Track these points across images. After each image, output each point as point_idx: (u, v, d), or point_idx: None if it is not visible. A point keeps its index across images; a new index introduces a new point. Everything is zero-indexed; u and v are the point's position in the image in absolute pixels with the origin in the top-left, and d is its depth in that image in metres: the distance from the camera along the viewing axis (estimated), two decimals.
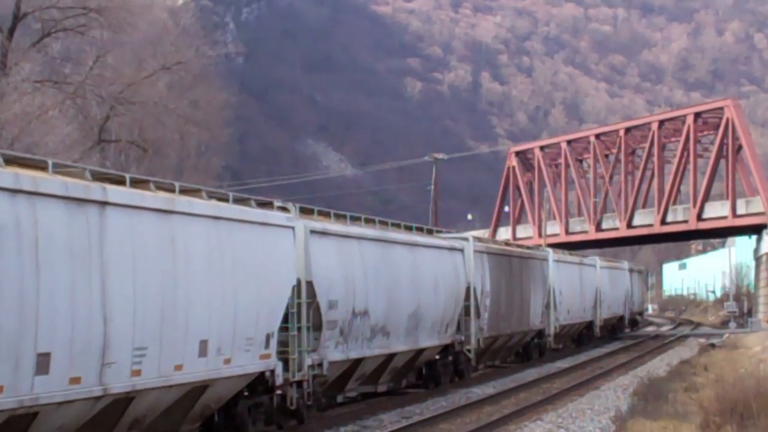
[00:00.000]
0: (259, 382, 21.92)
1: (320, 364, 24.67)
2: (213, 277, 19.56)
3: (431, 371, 34.25)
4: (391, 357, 29.45)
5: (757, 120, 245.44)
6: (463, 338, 35.63)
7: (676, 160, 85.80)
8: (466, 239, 36.61)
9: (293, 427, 24.22)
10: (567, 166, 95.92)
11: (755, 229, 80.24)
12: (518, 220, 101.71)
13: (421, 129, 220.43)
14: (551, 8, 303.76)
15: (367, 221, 28.97)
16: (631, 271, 74.26)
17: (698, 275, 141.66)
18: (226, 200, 20.80)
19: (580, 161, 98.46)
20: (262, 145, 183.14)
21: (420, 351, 31.58)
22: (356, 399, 30.71)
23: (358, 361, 27.20)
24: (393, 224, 30.68)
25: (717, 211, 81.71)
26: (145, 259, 17.54)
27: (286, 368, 22.71)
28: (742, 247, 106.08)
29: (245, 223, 20.92)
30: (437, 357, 34.06)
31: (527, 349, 47.42)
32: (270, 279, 21.65)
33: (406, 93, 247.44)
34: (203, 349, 19.18)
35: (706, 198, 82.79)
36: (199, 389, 19.42)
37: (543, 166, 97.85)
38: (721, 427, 20.90)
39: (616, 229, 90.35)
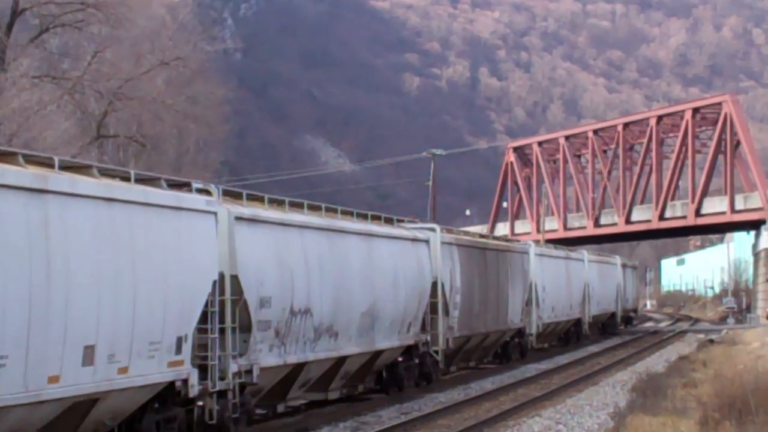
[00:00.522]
0: (172, 393, 19.00)
1: (249, 371, 21.52)
2: (103, 270, 16.58)
3: (392, 375, 30.92)
4: (341, 360, 26.30)
5: (756, 115, 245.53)
6: (429, 338, 32.42)
7: (674, 156, 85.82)
8: (432, 229, 33.28)
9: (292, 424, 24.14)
10: (565, 161, 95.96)
11: (753, 225, 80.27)
12: (516, 216, 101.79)
13: (420, 124, 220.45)
14: (549, 3, 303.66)
15: (312, 208, 25.54)
16: (623, 266, 71.87)
17: (697, 271, 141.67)
18: (128, 179, 17.83)
19: (579, 157, 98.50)
20: (261, 141, 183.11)
21: (377, 353, 28.39)
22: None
23: (299, 366, 24.04)
24: (344, 212, 27.30)
25: (715, 206, 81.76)
26: (7, 248, 14.68)
27: (206, 376, 19.83)
28: (740, 243, 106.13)
29: (150, 207, 17.90)
30: (400, 359, 30.85)
31: (506, 349, 44.12)
32: (183, 273, 18.70)
33: (404, 88, 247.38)
34: (89, 356, 16.22)
35: (705, 193, 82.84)
36: (86, 404, 16.63)
37: (541, 162, 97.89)
38: (720, 422, 20.89)
39: (615, 224, 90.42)
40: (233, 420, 20.91)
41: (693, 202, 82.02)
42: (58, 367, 15.61)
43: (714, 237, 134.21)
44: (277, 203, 24.17)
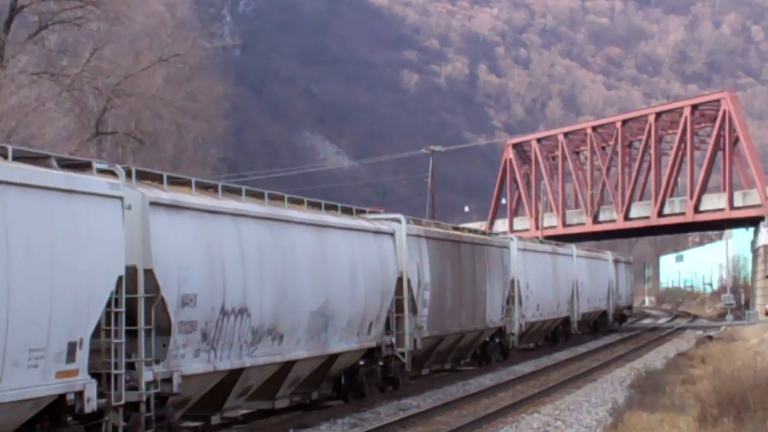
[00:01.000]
0: (65, 409, 16.39)
1: (169, 379, 18.76)
2: None
3: (352, 381, 28.03)
4: (288, 366, 23.51)
5: (754, 112, 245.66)
6: (394, 339, 29.47)
7: (673, 153, 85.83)
8: (397, 221, 30.26)
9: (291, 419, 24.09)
10: (564, 158, 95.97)
11: (752, 222, 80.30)
12: (515, 213, 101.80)
13: (418, 121, 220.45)
14: (548, 0, 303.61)
15: (252, 195, 22.85)
16: (615, 261, 69.63)
17: (695, 267, 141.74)
18: (5, 156, 15.63)
19: (577, 153, 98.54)
20: (259, 137, 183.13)
21: (332, 357, 25.70)
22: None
23: (235, 373, 21.26)
24: (292, 200, 24.44)
25: (714, 203, 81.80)
26: None
27: (113, 387, 17.24)
28: (739, 240, 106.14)
29: (31, 189, 15.39)
30: (362, 363, 28.14)
31: (486, 350, 41.21)
32: (76, 267, 16.22)
33: (403, 85, 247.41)
34: None
35: (703, 190, 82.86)
36: None
37: (540, 159, 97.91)
38: (718, 419, 20.91)
39: (614, 221, 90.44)
40: None
41: (692, 198, 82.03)
42: None
43: (713, 234, 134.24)
44: (209, 189, 21.44)
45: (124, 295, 17.34)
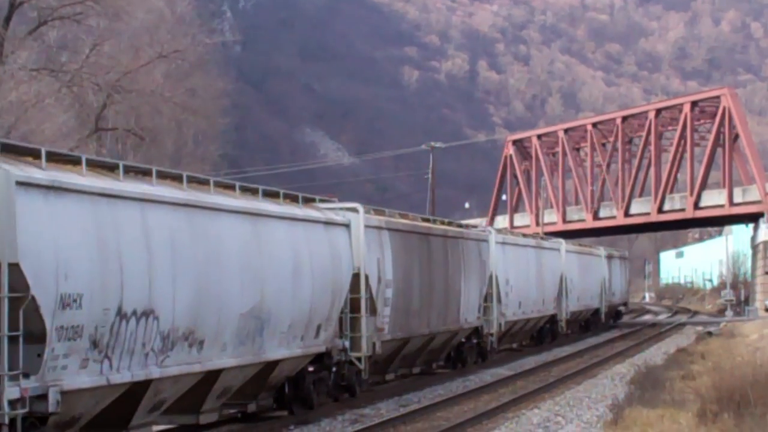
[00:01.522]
0: None
1: (44, 396, 15.60)
2: None
3: (297, 390, 24.95)
4: (212, 375, 20.32)
5: (754, 108, 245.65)
6: (347, 343, 26.41)
7: (673, 149, 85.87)
8: (354, 210, 27.09)
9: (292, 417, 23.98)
10: (564, 154, 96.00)
11: (752, 218, 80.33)
12: (515, 209, 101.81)
13: (419, 117, 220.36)
14: None
15: (168, 177, 19.69)
16: (609, 257, 66.79)
17: (695, 264, 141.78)
18: None
19: (578, 150, 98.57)
20: (260, 134, 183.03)
21: (271, 364, 22.49)
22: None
23: (141, 386, 18.00)
24: (221, 185, 21.57)
25: (714, 199, 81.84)
26: None
27: None
28: (739, 236, 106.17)
29: None
30: (310, 369, 25.09)
31: (461, 352, 38.11)
32: None
33: (403, 81, 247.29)
34: None
35: (703, 186, 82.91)
36: None
37: (540, 155, 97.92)
38: (718, 415, 20.91)
39: (614, 217, 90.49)
40: None
41: (692, 195, 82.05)
42: None
43: (713, 230, 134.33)
44: (108, 169, 18.14)
45: None
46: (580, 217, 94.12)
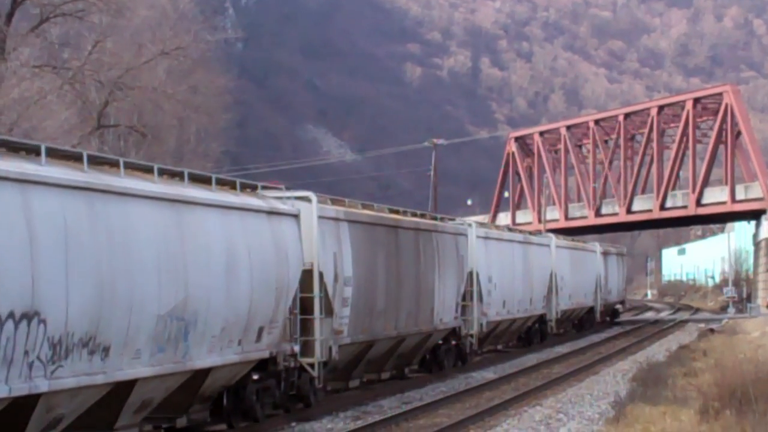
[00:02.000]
0: None
1: None
2: None
3: (238, 401, 22.06)
4: (125, 387, 17.54)
5: (756, 105, 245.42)
6: (297, 348, 23.46)
7: (675, 146, 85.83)
8: (306, 199, 24.22)
9: (300, 409, 23.98)
10: (566, 151, 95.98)
11: (754, 215, 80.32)
12: (518, 206, 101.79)
13: (421, 114, 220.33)
14: None
15: (65, 157, 16.96)
16: (605, 253, 63.96)
17: (697, 261, 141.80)
18: None
19: (580, 147, 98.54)
20: (262, 131, 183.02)
21: (200, 373, 19.62)
22: None
23: (27, 401, 15.38)
24: (135, 167, 18.67)
25: (716, 196, 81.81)
26: None
27: None
28: (741, 233, 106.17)
29: None
30: (255, 377, 22.28)
31: (437, 355, 35.21)
32: None
33: (405, 78, 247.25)
34: None
35: (705, 183, 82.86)
36: None
37: (542, 152, 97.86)
38: (720, 412, 20.91)
39: (616, 214, 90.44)
40: None
41: (694, 192, 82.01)
42: None
43: (715, 227, 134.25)
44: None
45: None
46: (583, 214, 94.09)
